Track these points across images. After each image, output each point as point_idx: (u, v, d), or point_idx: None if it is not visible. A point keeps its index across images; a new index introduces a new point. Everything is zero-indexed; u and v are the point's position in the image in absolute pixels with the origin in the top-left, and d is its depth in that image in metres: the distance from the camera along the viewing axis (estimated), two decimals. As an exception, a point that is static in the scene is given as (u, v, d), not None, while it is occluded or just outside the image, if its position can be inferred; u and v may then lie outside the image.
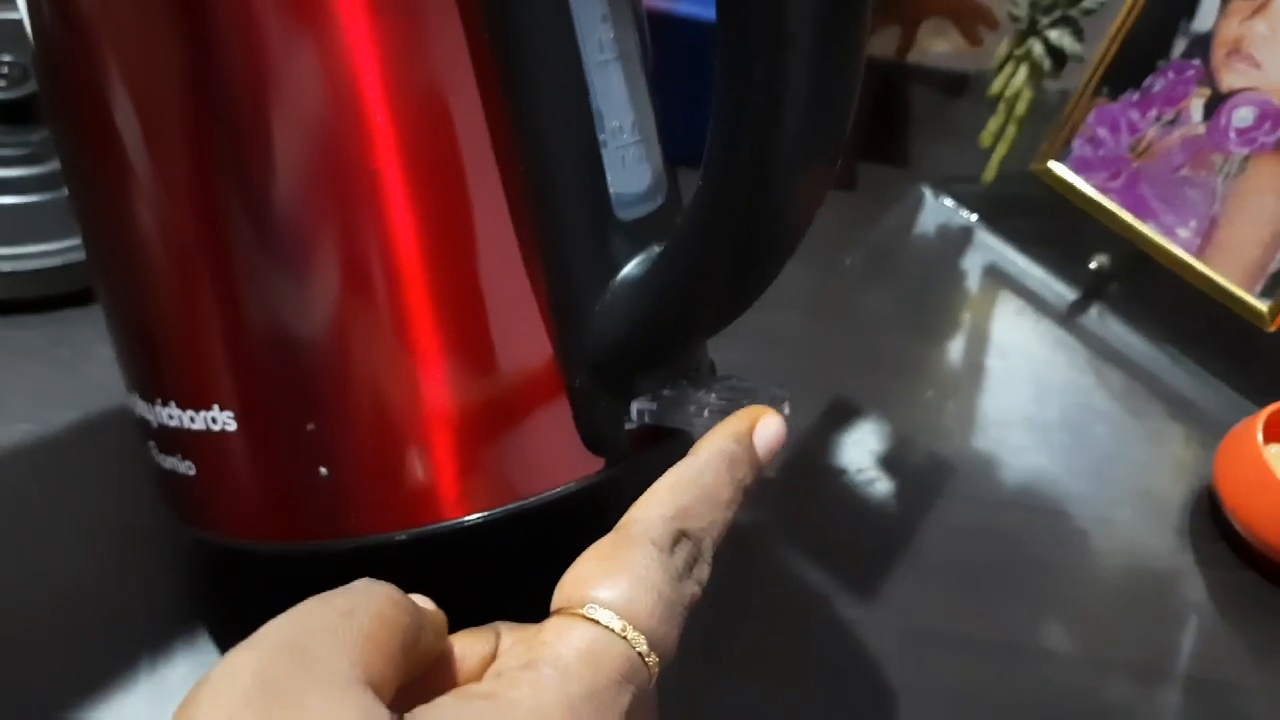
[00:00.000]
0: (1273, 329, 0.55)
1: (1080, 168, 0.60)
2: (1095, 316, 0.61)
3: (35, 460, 0.43)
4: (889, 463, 0.50)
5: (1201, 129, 0.56)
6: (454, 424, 0.30)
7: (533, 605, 0.27)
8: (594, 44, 0.29)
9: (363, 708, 0.22)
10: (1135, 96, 0.57)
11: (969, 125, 0.65)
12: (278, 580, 0.28)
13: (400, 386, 0.29)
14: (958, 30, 0.73)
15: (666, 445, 0.32)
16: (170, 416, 0.31)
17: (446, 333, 0.29)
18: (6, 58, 0.51)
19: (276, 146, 0.28)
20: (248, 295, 0.29)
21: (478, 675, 0.27)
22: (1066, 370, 0.58)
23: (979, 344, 0.59)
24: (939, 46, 0.75)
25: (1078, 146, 0.60)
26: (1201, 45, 0.55)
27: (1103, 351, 0.59)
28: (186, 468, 0.32)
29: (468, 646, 0.28)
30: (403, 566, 0.28)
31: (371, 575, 0.26)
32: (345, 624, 0.23)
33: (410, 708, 0.23)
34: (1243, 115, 0.55)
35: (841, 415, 0.52)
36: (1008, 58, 0.62)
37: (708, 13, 0.31)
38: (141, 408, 0.33)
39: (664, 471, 0.28)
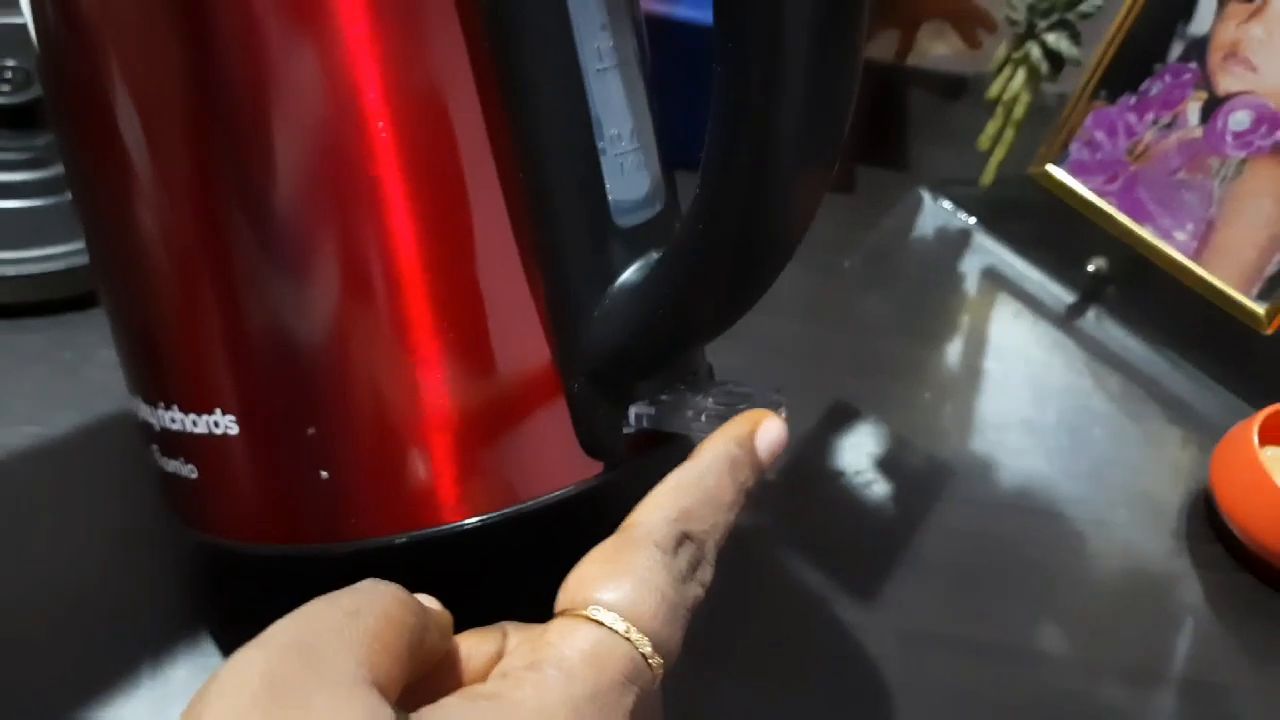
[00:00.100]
0: (1269, 332, 0.55)
1: (1078, 171, 0.60)
2: (1093, 319, 0.61)
3: (38, 463, 0.43)
4: (887, 465, 0.50)
5: (1198, 132, 0.56)
6: (453, 428, 0.30)
7: (533, 605, 0.27)
8: (593, 52, 0.29)
9: (369, 707, 0.22)
10: (1132, 100, 0.58)
11: (967, 128, 0.65)
12: (279, 583, 0.29)
13: (400, 391, 0.30)
14: (956, 33, 0.73)
15: (664, 449, 0.32)
16: (172, 420, 0.31)
17: (446, 337, 0.29)
18: (10, 63, 0.51)
19: (278, 151, 0.28)
20: (249, 299, 0.29)
21: (483, 675, 0.27)
22: (1064, 373, 0.58)
23: (977, 347, 0.59)
24: (937, 49, 0.75)
25: (1075, 150, 0.60)
26: (1198, 49, 0.55)
27: (1100, 354, 0.59)
28: (188, 471, 0.32)
29: (473, 646, 0.28)
30: (403, 568, 0.28)
31: (373, 576, 0.26)
32: (352, 624, 0.24)
33: (416, 707, 0.23)
34: (1239, 119, 0.55)
35: (840, 418, 0.52)
36: (1006, 61, 0.62)
37: (705, 16, 0.31)
38: (144, 411, 0.33)
39: (662, 476, 0.29)
